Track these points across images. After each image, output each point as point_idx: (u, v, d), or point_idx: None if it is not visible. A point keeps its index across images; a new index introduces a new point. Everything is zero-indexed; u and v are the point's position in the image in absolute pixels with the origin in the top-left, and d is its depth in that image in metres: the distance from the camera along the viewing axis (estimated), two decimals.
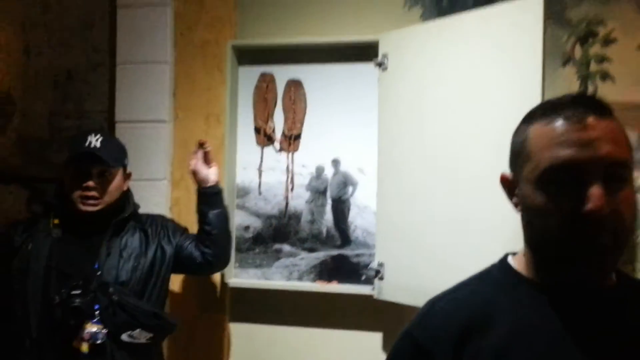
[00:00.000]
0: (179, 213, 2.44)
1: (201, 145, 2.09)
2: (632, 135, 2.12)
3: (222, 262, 2.14)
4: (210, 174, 2.11)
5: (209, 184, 2.10)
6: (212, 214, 2.08)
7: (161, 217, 2.16)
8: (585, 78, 2.18)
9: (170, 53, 2.49)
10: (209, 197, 2.10)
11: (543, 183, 0.87)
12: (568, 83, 2.19)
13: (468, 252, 1.92)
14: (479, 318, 0.92)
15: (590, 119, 0.83)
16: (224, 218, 2.11)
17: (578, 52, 2.19)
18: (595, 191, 0.80)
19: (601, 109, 0.86)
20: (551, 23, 2.20)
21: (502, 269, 1.00)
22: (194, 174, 2.10)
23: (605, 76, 2.15)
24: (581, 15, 2.18)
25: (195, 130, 2.46)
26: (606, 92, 2.15)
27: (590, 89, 2.17)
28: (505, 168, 1.83)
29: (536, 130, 0.90)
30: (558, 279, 0.89)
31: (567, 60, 2.20)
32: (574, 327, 0.87)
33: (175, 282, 2.40)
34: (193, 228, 2.40)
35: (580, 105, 0.86)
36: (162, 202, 2.44)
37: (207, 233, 2.07)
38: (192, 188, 2.40)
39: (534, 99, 1.77)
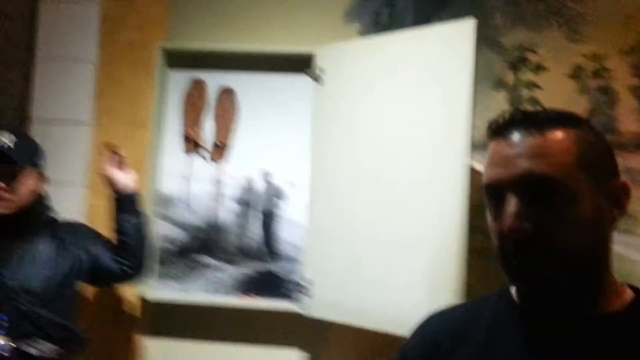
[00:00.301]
0: (97, 222, 2.28)
1: (114, 150, 1.98)
2: None
3: (139, 274, 2.02)
4: (126, 180, 1.99)
5: (124, 191, 1.98)
6: (129, 222, 1.96)
7: (80, 224, 2.03)
8: (515, 103, 2.22)
9: (95, 52, 2.35)
10: (124, 204, 1.98)
11: (487, 202, 0.86)
12: (499, 107, 2.23)
13: (398, 270, 1.89)
14: (455, 334, 0.93)
15: (516, 136, 0.81)
16: (142, 227, 1.99)
17: (510, 77, 2.23)
18: (508, 210, 0.78)
19: (537, 123, 0.81)
20: (485, 47, 2.23)
21: (502, 292, 0.97)
22: (108, 179, 1.98)
23: (535, 102, 2.20)
24: (514, 42, 2.23)
25: (117, 135, 2.32)
26: None
27: None
28: (434, 184, 1.83)
29: (488, 148, 0.89)
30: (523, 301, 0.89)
31: (499, 84, 2.24)
32: (539, 352, 0.83)
33: (90, 294, 2.25)
34: (112, 238, 2.27)
35: (512, 121, 0.83)
36: (76, 208, 2.28)
37: (123, 243, 1.96)
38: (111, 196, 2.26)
39: (463, 120, 1.78)
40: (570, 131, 0.81)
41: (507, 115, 0.85)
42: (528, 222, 0.77)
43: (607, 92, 2.17)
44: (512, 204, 0.78)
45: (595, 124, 2.11)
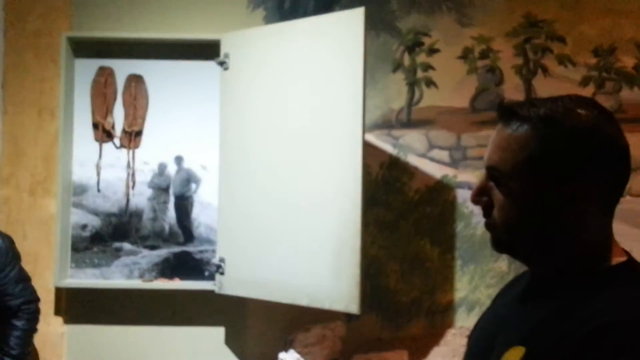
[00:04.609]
0: (9, 212, 2.30)
1: None
2: (450, 137, 2.35)
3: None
4: None
5: None
6: None
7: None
8: (412, 84, 2.36)
9: (0, 41, 2.33)
10: None
11: None
12: (398, 87, 2.37)
13: (304, 246, 2.01)
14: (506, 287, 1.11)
15: (500, 126, 0.93)
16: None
17: (407, 59, 2.37)
18: (477, 184, 0.96)
19: (510, 117, 0.91)
20: (383, 32, 2.36)
21: None
22: None
23: (429, 83, 2.35)
24: (409, 26, 2.37)
25: (27, 125, 2.33)
26: (430, 97, 2.36)
27: (416, 94, 2.36)
28: (333, 163, 1.95)
29: None
30: None
31: (397, 66, 2.37)
32: (512, 302, 1.00)
33: None
34: (26, 227, 2.30)
35: (499, 112, 0.94)
36: None
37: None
38: (23, 186, 2.29)
39: (357, 102, 1.90)
40: (534, 130, 0.88)
41: (503, 105, 0.95)
42: (484, 196, 0.94)
43: (494, 71, 2.34)
44: (480, 179, 0.95)
45: (483, 100, 2.30)
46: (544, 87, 2.31)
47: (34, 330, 2.12)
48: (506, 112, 0.91)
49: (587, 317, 0.81)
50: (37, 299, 2.12)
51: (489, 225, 0.95)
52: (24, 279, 2.09)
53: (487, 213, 0.94)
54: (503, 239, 0.94)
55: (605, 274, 0.88)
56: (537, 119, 0.88)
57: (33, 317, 2.09)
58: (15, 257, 2.08)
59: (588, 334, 0.79)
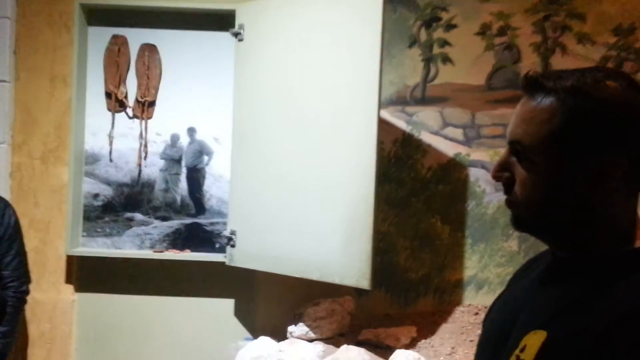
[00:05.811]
0: (20, 179, 2.30)
1: None
2: (465, 115, 2.32)
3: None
4: None
5: None
6: None
7: (5, 204, 2.07)
8: (428, 60, 2.33)
9: (12, 7, 2.31)
10: None
11: None
12: (414, 63, 2.34)
13: (316, 220, 2.01)
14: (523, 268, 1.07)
15: (524, 98, 0.88)
16: None
17: (423, 35, 2.34)
18: (499, 158, 0.92)
19: (535, 89, 0.86)
20: (400, 6, 2.32)
21: None
22: None
23: (445, 59, 2.32)
24: (427, 0, 2.33)
25: (39, 92, 2.32)
26: (446, 74, 2.33)
27: (432, 71, 2.33)
28: (347, 138, 1.93)
29: None
30: None
31: (413, 42, 2.34)
32: (531, 284, 0.97)
33: None
34: (37, 195, 2.29)
35: (524, 83, 0.89)
36: (1, 167, 2.28)
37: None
38: (35, 153, 2.29)
39: (373, 77, 1.88)
40: (561, 102, 0.84)
41: (528, 76, 0.90)
42: (506, 172, 0.89)
43: (511, 49, 2.31)
44: (502, 154, 0.91)
45: (500, 78, 2.27)
46: (562, 66, 2.22)
47: (19, 311, 2.12)
48: (531, 84, 0.86)
49: (610, 303, 0.79)
50: (29, 280, 2.12)
51: (509, 203, 0.91)
52: (23, 255, 2.11)
53: (508, 190, 0.90)
54: (524, 217, 0.90)
55: (629, 257, 0.85)
56: (564, 91, 0.84)
57: (20, 297, 2.09)
58: (20, 232, 2.10)
59: (610, 322, 0.77)
